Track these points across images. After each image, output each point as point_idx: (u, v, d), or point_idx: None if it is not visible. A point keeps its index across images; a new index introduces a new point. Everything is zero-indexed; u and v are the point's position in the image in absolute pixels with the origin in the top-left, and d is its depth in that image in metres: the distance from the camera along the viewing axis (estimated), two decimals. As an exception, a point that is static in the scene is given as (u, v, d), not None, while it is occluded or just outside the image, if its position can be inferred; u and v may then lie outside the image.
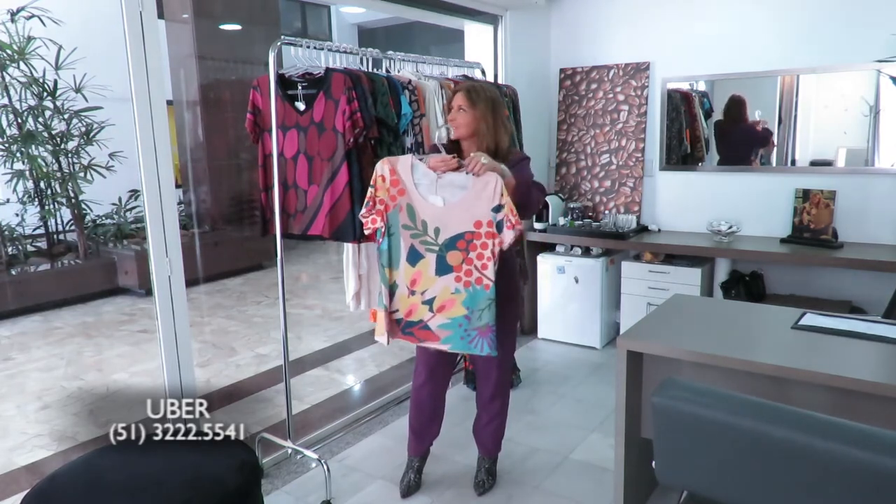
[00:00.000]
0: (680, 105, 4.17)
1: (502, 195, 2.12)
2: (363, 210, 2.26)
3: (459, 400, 3.31)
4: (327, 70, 2.48)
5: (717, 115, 4.05)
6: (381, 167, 2.22)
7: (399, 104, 2.66)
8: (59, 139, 5.82)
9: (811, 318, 2.19)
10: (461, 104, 2.32)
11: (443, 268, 2.20)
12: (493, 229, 2.14)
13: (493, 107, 2.33)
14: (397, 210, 2.22)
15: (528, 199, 2.30)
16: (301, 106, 2.51)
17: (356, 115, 2.40)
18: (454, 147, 2.39)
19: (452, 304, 2.20)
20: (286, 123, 2.53)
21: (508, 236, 2.14)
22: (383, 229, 2.23)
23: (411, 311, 2.26)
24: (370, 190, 2.23)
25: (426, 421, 2.57)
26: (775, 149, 3.87)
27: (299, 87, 2.50)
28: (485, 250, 2.15)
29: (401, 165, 2.21)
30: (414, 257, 2.23)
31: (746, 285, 3.86)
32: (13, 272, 5.92)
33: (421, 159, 2.22)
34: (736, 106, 3.96)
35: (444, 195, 2.17)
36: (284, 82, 2.52)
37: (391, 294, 2.27)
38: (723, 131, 4.06)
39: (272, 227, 2.63)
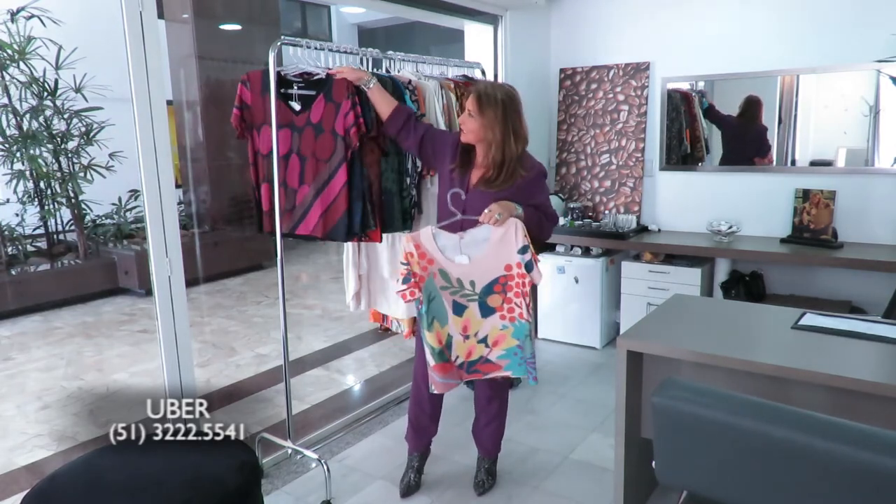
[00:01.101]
0: (680, 105, 4.17)
1: (525, 236, 2.24)
2: (401, 286, 2.31)
3: (459, 400, 3.31)
4: (328, 74, 2.48)
5: (723, 114, 4.05)
6: (407, 245, 2.31)
7: (403, 102, 2.67)
8: (59, 139, 5.83)
9: (811, 318, 2.19)
10: (471, 108, 2.29)
11: (486, 311, 2.33)
12: (522, 270, 2.26)
13: (505, 112, 2.26)
14: (431, 277, 2.31)
15: (538, 233, 2.36)
16: (296, 106, 2.49)
17: (360, 121, 2.40)
18: (467, 150, 2.39)
19: (503, 338, 2.33)
20: (278, 121, 2.51)
21: (537, 276, 2.28)
22: (421, 298, 2.32)
23: (470, 352, 2.37)
24: (404, 267, 2.31)
25: (426, 418, 2.57)
26: (775, 150, 3.87)
27: (295, 87, 2.48)
28: (519, 288, 2.29)
29: (423, 238, 2.31)
30: (459, 309, 2.34)
31: (746, 285, 3.86)
32: (13, 272, 5.92)
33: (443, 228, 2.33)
34: (753, 106, 3.94)
35: (468, 253, 2.29)
36: (280, 80, 2.51)
37: (448, 346, 2.36)
38: (736, 131, 4.04)
39: (266, 224, 2.63)
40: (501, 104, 2.27)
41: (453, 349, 2.36)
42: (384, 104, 2.47)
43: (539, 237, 2.38)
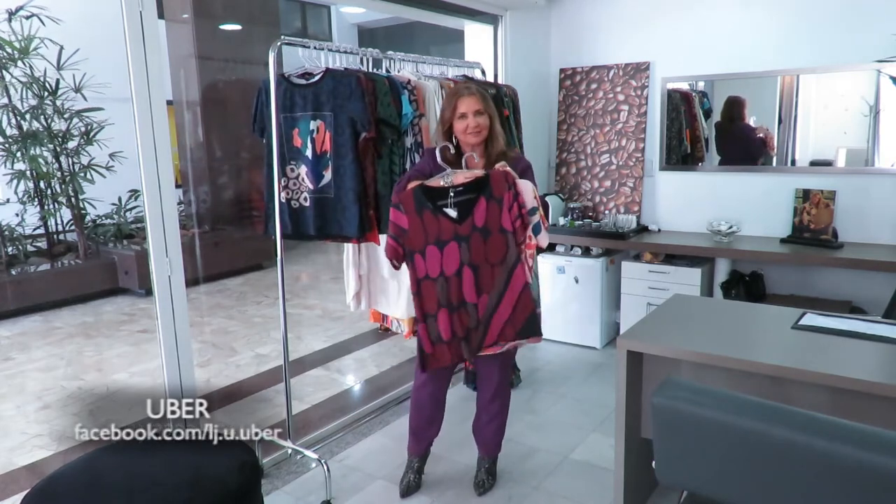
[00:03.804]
0: (680, 105, 4.17)
1: (535, 198, 2.23)
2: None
3: (459, 400, 3.31)
4: (486, 174, 2.26)
5: (717, 115, 4.05)
6: None
7: (400, 104, 2.66)
8: (59, 139, 5.83)
9: (811, 318, 2.19)
10: (479, 108, 2.31)
11: None
12: (531, 232, 2.26)
13: (496, 105, 2.41)
14: None
15: None
16: (453, 214, 2.27)
17: (523, 210, 2.24)
18: (456, 154, 2.38)
19: None
20: (441, 238, 2.28)
21: (544, 239, 2.26)
22: None
23: None
24: None
25: (425, 422, 2.57)
26: (774, 151, 3.87)
27: (451, 194, 2.25)
28: (529, 250, 2.29)
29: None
30: None
31: (746, 285, 3.86)
32: (13, 272, 5.92)
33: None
34: (734, 107, 3.96)
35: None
36: (430, 192, 2.27)
37: None
38: (722, 132, 4.06)
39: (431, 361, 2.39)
40: (491, 97, 2.41)
41: None
42: None
43: None
